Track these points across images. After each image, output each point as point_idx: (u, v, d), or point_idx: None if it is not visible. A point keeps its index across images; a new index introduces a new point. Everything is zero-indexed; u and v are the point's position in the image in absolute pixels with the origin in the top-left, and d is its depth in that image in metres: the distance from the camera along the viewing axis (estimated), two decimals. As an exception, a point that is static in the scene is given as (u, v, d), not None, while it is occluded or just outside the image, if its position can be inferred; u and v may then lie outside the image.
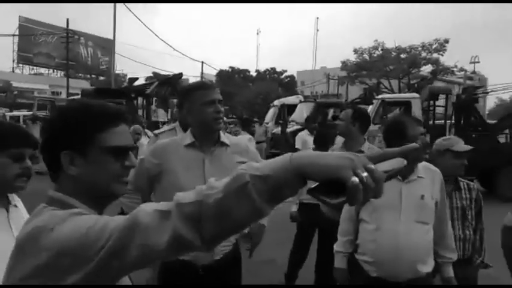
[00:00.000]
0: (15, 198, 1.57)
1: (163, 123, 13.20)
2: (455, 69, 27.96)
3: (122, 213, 1.96)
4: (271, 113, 15.94)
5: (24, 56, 40.81)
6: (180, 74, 14.07)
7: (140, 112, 13.62)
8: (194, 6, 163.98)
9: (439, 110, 11.23)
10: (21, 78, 37.03)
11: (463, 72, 27.76)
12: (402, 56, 28.43)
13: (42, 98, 21.82)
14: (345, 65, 30.34)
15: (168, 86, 13.65)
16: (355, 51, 29.82)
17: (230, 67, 43.42)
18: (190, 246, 0.75)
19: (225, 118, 2.62)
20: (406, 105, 10.61)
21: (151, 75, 15.76)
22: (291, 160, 0.70)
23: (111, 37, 28.48)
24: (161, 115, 17.09)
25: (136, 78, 15.24)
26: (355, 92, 29.01)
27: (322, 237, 3.54)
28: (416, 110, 10.21)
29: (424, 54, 28.26)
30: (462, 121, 9.88)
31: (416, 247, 2.07)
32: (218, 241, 0.77)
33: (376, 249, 2.10)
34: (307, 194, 0.71)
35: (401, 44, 28.73)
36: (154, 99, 15.36)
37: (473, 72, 30.45)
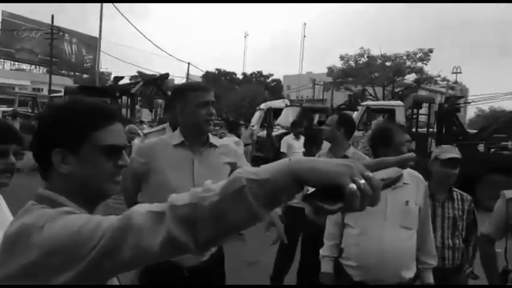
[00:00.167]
0: None
1: (147, 123, 13.08)
2: (438, 78, 28.57)
3: None
4: (257, 116, 15.96)
5: (6, 51, 39.92)
6: (167, 75, 13.99)
7: (124, 111, 13.46)
8: (181, 7, 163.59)
9: (422, 118, 11.46)
10: (2, 74, 36.23)
11: (445, 82, 28.37)
12: (387, 64, 28.89)
13: (23, 94, 21.36)
14: (331, 71, 30.66)
15: (153, 86, 13.54)
16: (341, 57, 30.19)
17: (216, 69, 43.43)
18: (183, 249, 0.74)
19: None
20: (390, 112, 10.78)
21: (137, 74, 15.62)
22: (289, 165, 0.70)
23: (96, 35, 28.15)
24: (145, 115, 16.97)
25: (122, 77, 15.09)
26: (340, 97, 29.34)
27: (306, 241, 3.55)
28: (400, 118, 10.38)
29: (408, 63, 28.78)
30: (444, 130, 10.09)
31: (401, 252, 2.10)
32: (212, 244, 0.76)
33: (360, 253, 2.12)
34: (303, 200, 0.70)
35: (386, 52, 29.23)
36: (138, 98, 15.23)
37: (455, 82, 31.12)
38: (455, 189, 2.70)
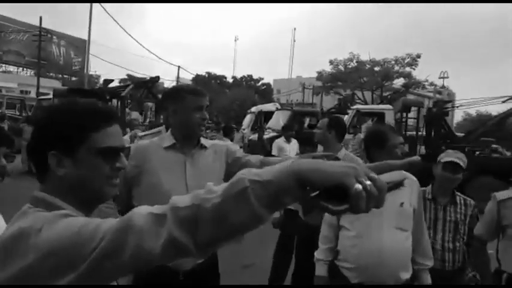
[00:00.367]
0: None
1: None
2: (426, 83, 28.96)
3: None
4: (248, 120, 15.98)
5: (-8, 53, 39.31)
6: (157, 78, 13.91)
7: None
8: (171, 10, 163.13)
9: (410, 122, 11.59)
10: (-12, 76, 35.63)
11: (433, 87, 28.75)
12: (376, 68, 29.21)
13: (11, 96, 21.06)
14: (320, 75, 30.88)
15: (144, 89, 13.46)
16: (331, 62, 30.45)
17: (207, 72, 43.39)
18: (185, 251, 0.73)
19: None
20: (380, 116, 10.90)
21: (126, 77, 15.51)
22: (292, 166, 0.70)
23: (85, 37, 27.90)
24: (134, 117, 16.82)
25: (112, 80, 14.97)
26: (329, 102, 29.52)
27: (301, 243, 3.56)
28: (390, 121, 10.50)
29: (396, 67, 29.12)
30: (433, 133, 10.22)
31: (399, 253, 2.11)
32: (214, 247, 0.76)
33: (358, 255, 2.12)
34: (308, 201, 0.70)
35: (375, 57, 29.56)
36: (128, 101, 15.10)
37: (443, 86, 31.56)
38: (459, 194, 2.70)
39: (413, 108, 11.41)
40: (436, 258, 2.48)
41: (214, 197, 0.71)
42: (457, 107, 11.90)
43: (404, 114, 11.02)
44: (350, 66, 29.84)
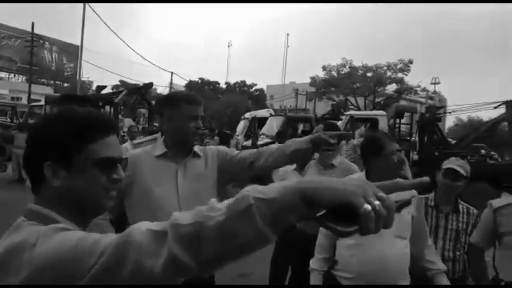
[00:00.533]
0: None
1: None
2: (418, 88, 29.24)
3: None
4: (241, 126, 15.97)
5: (-17, 59, 39.01)
6: (151, 84, 13.90)
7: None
8: (165, 15, 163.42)
9: (403, 128, 11.68)
10: (-21, 82, 35.35)
11: (425, 92, 29.04)
12: (368, 74, 29.44)
13: (2, 103, 20.86)
14: (313, 80, 31.05)
15: (137, 96, 13.42)
16: (324, 68, 30.64)
17: (200, 78, 43.38)
18: (186, 269, 0.71)
19: None
20: (373, 122, 10.96)
21: (119, 83, 15.45)
22: (298, 183, 0.68)
23: (76, 42, 27.81)
24: (127, 124, 16.76)
25: (104, 87, 14.94)
26: (322, 107, 29.71)
27: (297, 252, 3.53)
28: (383, 127, 10.56)
29: (389, 73, 29.38)
30: (426, 139, 10.29)
31: (399, 261, 2.10)
32: (216, 266, 0.73)
33: (358, 264, 2.11)
34: (319, 220, 0.68)
35: (367, 63, 29.81)
36: (121, 107, 15.05)
37: (434, 92, 31.89)
38: (462, 202, 2.66)
39: (406, 114, 11.52)
40: None
41: (217, 215, 0.69)
42: (450, 112, 12.01)
43: (398, 120, 11.10)
44: (343, 72, 30.05)
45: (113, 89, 21.03)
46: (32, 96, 24.76)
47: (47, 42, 38.14)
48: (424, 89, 29.37)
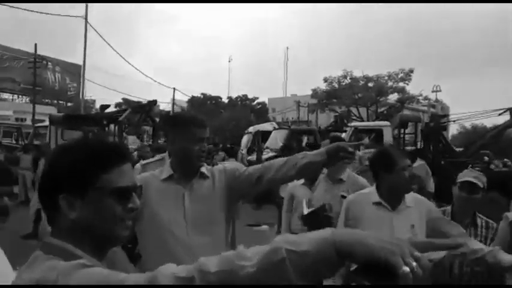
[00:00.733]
0: None
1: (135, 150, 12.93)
2: (420, 97, 29.27)
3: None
4: (245, 140, 15.99)
5: (-13, 82, 39.42)
6: (155, 101, 14.00)
7: (112, 139, 13.33)
8: (165, 31, 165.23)
9: (407, 137, 11.67)
10: (-16, 104, 35.60)
11: (427, 101, 29.05)
12: (370, 84, 29.54)
13: (8, 124, 20.98)
14: (315, 92, 31.17)
15: (142, 113, 13.48)
16: (325, 79, 30.79)
17: (202, 93, 43.60)
18: None
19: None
20: (378, 132, 10.95)
21: (121, 101, 15.54)
22: (333, 237, 0.68)
23: (78, 62, 28.10)
24: (131, 142, 16.84)
25: (108, 105, 15.01)
26: (324, 119, 29.75)
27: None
28: (388, 138, 10.55)
29: (390, 83, 29.47)
30: (431, 148, 10.26)
31: None
32: None
33: None
34: (351, 275, 0.69)
35: (368, 73, 29.95)
36: (125, 125, 15.14)
37: (436, 100, 31.92)
38: (480, 216, 2.59)
39: (410, 123, 11.52)
40: None
41: (248, 265, 0.69)
42: (454, 121, 12.00)
43: (402, 130, 11.10)
44: (344, 83, 30.18)
45: (116, 107, 21.15)
46: (36, 117, 24.93)
47: (49, 63, 38.57)
48: (425, 98, 29.40)
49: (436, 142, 10.23)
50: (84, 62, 26.52)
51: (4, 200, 1.41)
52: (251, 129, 16.68)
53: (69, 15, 51.22)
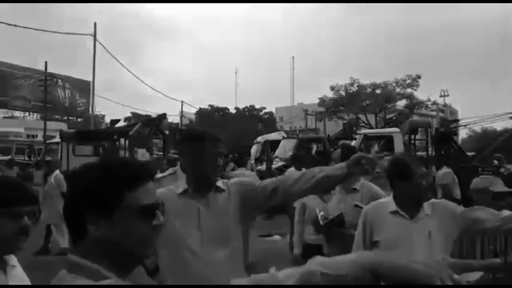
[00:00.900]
0: (12, 259, 1.47)
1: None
2: (428, 102, 29.11)
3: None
4: (254, 150, 16.01)
5: (0, 100, 40.08)
6: (164, 115, 14.13)
7: (122, 154, 13.45)
8: (171, 44, 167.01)
9: (418, 143, 11.56)
10: (-4, 122, 36.12)
11: (435, 106, 28.89)
12: (377, 91, 29.46)
13: (20, 141, 21.25)
14: (322, 101, 31.15)
15: (151, 127, 13.59)
16: (332, 88, 30.78)
17: (209, 105, 43.81)
18: None
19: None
20: (388, 139, 10.88)
21: (130, 115, 15.67)
22: (372, 258, 0.70)
23: (87, 78, 28.46)
24: (141, 155, 16.94)
25: (118, 120, 15.21)
26: (332, 126, 29.65)
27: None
28: (398, 144, 10.48)
29: (398, 89, 29.38)
30: (443, 153, 10.15)
31: None
32: None
33: None
34: None
35: (375, 80, 29.90)
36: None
37: (444, 105, 31.69)
38: None
39: (420, 129, 11.43)
40: None
41: None
42: (465, 126, 11.89)
43: (412, 136, 11.01)
44: (351, 91, 30.13)
45: (125, 121, 21.35)
46: (47, 133, 25.24)
47: (60, 80, 39.14)
48: (434, 103, 29.23)
49: (447, 147, 10.14)
50: (94, 78, 26.91)
51: (25, 219, 1.41)
52: (260, 138, 16.70)
53: (77, 33, 52.07)
